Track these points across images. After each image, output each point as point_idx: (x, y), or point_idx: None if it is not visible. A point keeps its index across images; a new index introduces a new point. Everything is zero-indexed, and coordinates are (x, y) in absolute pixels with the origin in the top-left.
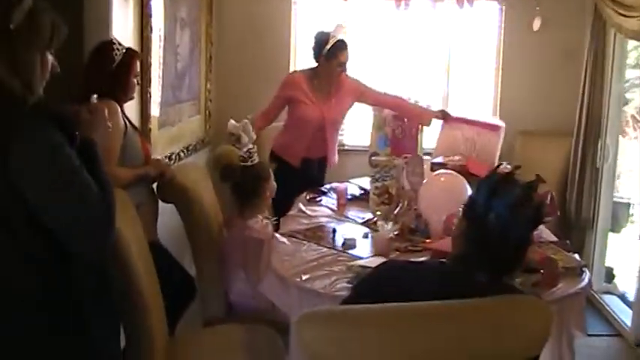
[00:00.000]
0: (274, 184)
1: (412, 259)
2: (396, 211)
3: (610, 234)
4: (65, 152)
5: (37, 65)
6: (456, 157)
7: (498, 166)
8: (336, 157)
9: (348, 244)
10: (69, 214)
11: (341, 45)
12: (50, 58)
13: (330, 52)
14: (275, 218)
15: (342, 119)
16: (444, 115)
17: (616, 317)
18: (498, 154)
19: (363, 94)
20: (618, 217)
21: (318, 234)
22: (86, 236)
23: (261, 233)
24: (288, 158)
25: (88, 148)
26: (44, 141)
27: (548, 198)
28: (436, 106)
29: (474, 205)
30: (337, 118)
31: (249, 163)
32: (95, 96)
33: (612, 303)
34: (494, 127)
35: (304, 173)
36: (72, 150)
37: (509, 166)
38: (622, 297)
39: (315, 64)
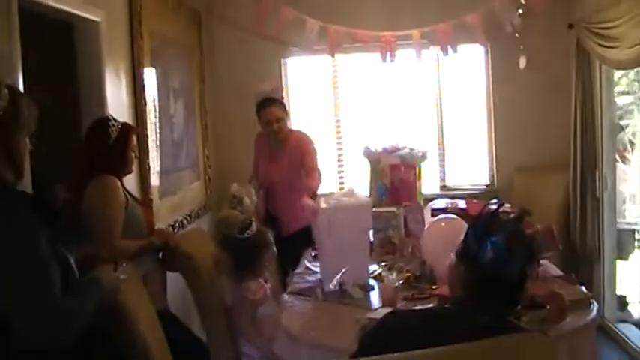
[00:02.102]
0: (274, 250)
1: (416, 307)
2: (400, 260)
3: (618, 261)
4: (38, 239)
5: (26, 150)
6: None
7: (485, 206)
8: (297, 223)
9: (355, 297)
10: (20, 301)
11: (260, 105)
12: (27, 141)
13: (256, 113)
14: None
15: (297, 178)
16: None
17: (632, 345)
18: None
19: (301, 163)
20: (624, 243)
21: (324, 290)
22: (27, 324)
23: (254, 293)
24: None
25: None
26: (18, 225)
27: (549, 232)
28: (432, 151)
29: (466, 248)
30: (287, 177)
31: (246, 235)
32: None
33: (627, 331)
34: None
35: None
36: (45, 236)
37: (494, 205)
38: (637, 324)
39: None
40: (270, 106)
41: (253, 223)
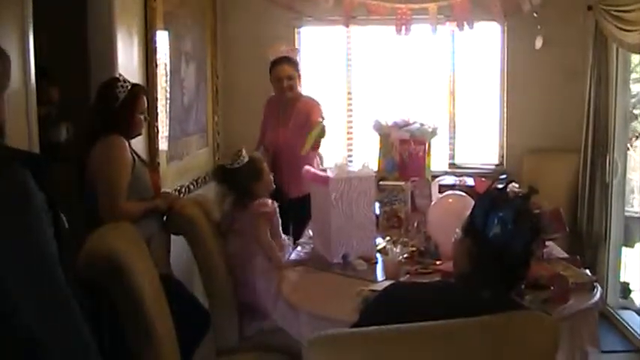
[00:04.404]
0: (269, 178)
1: (419, 281)
2: (404, 234)
3: (624, 249)
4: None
5: (5, 106)
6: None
7: (493, 182)
8: (301, 188)
9: (359, 269)
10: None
11: (273, 63)
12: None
13: (269, 73)
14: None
15: (303, 141)
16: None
17: (633, 332)
18: None
19: (307, 120)
20: (631, 231)
21: (327, 260)
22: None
23: (267, 206)
24: None
25: None
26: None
27: (556, 214)
28: (442, 128)
29: (473, 224)
30: (293, 140)
31: (236, 165)
32: None
33: (629, 318)
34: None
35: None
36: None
37: (502, 182)
38: (639, 312)
39: None
40: (282, 63)
41: (243, 151)
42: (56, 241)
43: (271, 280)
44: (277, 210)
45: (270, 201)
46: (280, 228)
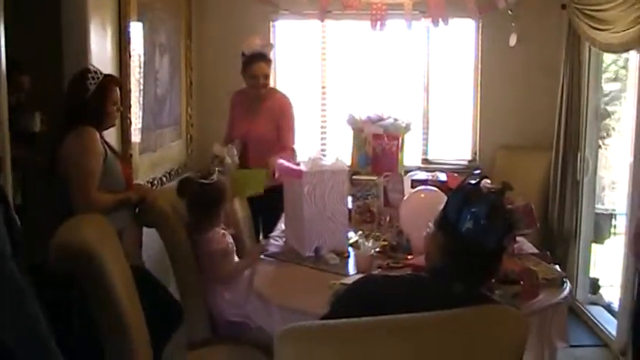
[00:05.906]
0: (227, 206)
1: (390, 274)
2: (377, 229)
3: (594, 245)
4: None
5: None
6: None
7: (465, 179)
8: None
9: (331, 262)
10: None
11: (249, 59)
12: None
13: (243, 66)
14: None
15: (271, 136)
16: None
17: (602, 327)
18: None
19: (278, 122)
20: (602, 228)
21: (300, 253)
22: None
23: (221, 243)
24: None
25: None
26: None
27: (527, 210)
28: (416, 123)
29: (446, 218)
30: (262, 133)
31: (207, 181)
32: None
33: (598, 313)
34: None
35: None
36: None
37: (475, 178)
38: (607, 307)
39: None
40: (260, 61)
41: (215, 174)
42: (9, 238)
43: (239, 301)
44: (231, 240)
45: (222, 234)
46: (235, 255)
